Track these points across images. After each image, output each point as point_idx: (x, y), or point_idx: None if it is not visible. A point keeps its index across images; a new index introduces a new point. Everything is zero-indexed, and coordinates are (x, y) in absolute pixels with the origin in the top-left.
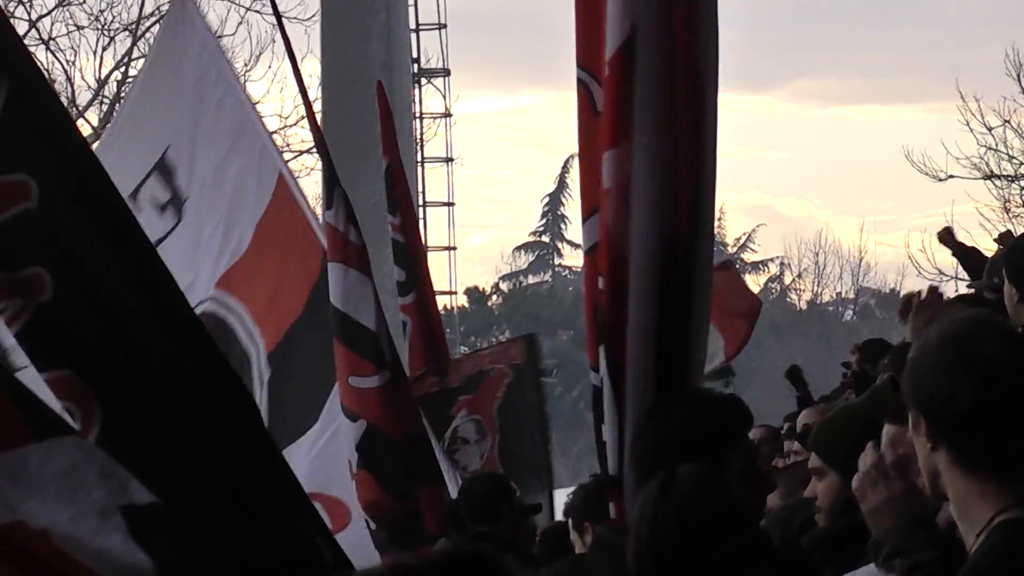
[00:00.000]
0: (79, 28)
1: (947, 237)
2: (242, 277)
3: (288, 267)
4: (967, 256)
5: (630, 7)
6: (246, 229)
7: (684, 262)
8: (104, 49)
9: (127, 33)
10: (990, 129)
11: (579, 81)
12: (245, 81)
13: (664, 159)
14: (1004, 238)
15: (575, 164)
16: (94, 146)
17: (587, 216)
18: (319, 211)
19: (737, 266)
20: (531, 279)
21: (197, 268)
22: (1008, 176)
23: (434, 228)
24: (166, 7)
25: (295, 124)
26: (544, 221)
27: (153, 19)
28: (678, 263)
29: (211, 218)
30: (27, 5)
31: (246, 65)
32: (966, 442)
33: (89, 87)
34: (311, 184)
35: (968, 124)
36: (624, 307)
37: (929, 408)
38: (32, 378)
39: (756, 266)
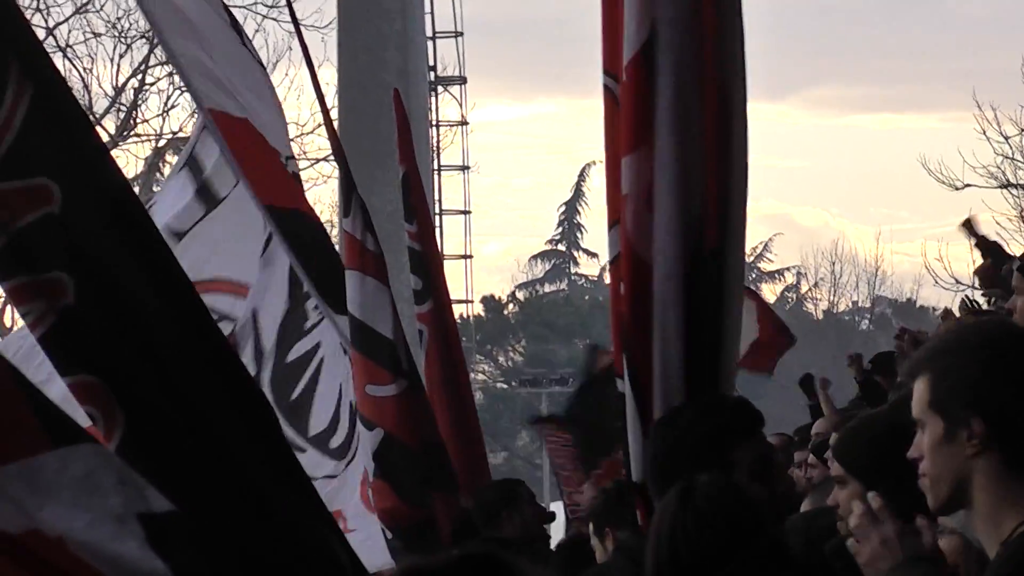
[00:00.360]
0: (96, 35)
1: (970, 227)
2: None
3: None
4: (990, 251)
5: (648, 11)
6: None
7: (713, 266)
8: (121, 56)
9: (144, 40)
10: (1007, 138)
11: (605, 88)
12: None
13: (688, 162)
14: None
15: (591, 172)
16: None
17: (612, 224)
18: (335, 220)
19: (753, 275)
20: (547, 287)
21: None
22: None
23: (450, 236)
24: None
25: (312, 132)
26: (560, 230)
27: None
28: (706, 267)
29: None
30: (44, 12)
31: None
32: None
33: (106, 94)
34: (328, 192)
35: (984, 133)
36: (648, 314)
37: (992, 408)
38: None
39: (772, 275)
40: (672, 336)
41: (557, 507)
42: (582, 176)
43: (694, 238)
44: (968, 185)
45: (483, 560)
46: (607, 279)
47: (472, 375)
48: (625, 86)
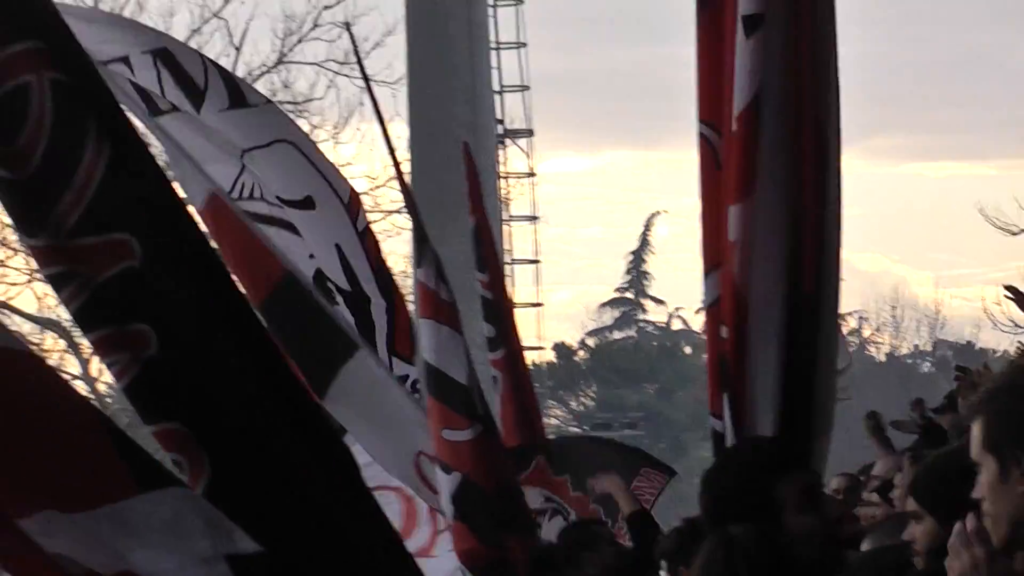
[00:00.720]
0: None
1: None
2: None
3: None
4: None
5: (760, 64)
6: None
7: (810, 309)
8: None
9: None
10: None
11: (701, 136)
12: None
13: (789, 211)
14: None
15: (657, 222)
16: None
17: (709, 270)
18: (409, 270)
19: None
20: (616, 334)
21: None
22: None
23: (521, 285)
24: (261, 71)
25: (384, 184)
26: (628, 278)
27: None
28: (803, 310)
29: None
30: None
31: (335, 128)
32: None
33: None
34: (401, 244)
35: None
36: (748, 355)
37: None
38: None
39: None
40: (767, 377)
41: None
42: (647, 226)
43: (792, 284)
44: None
45: None
46: (674, 325)
47: (545, 420)
48: (734, 136)
